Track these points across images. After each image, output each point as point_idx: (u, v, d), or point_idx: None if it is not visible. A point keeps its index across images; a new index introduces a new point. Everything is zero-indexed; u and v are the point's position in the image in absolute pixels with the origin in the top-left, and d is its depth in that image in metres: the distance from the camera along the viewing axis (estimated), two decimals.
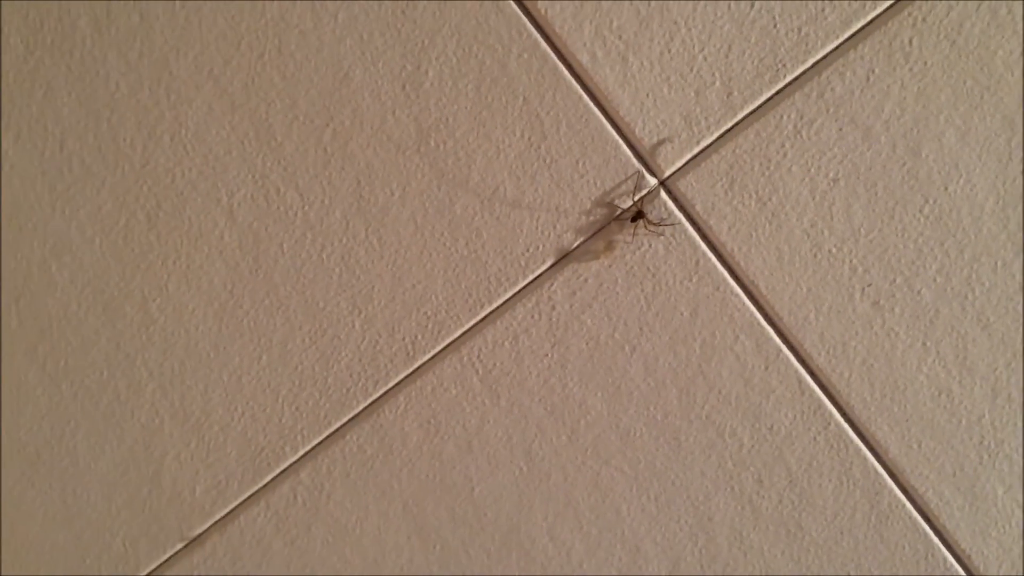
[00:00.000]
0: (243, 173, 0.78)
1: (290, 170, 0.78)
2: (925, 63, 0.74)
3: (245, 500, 0.83)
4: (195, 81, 0.76)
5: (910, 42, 0.74)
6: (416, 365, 0.81)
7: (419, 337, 0.81)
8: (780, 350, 0.80)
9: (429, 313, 0.80)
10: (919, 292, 0.78)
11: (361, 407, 0.82)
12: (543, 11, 0.75)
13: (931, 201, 0.76)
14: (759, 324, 0.79)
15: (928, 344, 0.79)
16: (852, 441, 0.81)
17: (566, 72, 0.75)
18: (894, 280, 0.78)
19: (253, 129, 0.77)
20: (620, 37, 0.74)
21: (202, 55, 0.76)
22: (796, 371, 0.80)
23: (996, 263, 0.77)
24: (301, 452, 0.83)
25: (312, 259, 0.79)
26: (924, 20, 0.73)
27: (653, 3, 0.74)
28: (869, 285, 0.78)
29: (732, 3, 0.74)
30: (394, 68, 0.76)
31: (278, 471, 0.83)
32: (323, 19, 0.75)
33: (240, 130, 0.77)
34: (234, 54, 0.76)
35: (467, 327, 0.80)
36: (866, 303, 0.78)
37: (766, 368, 0.80)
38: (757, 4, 0.74)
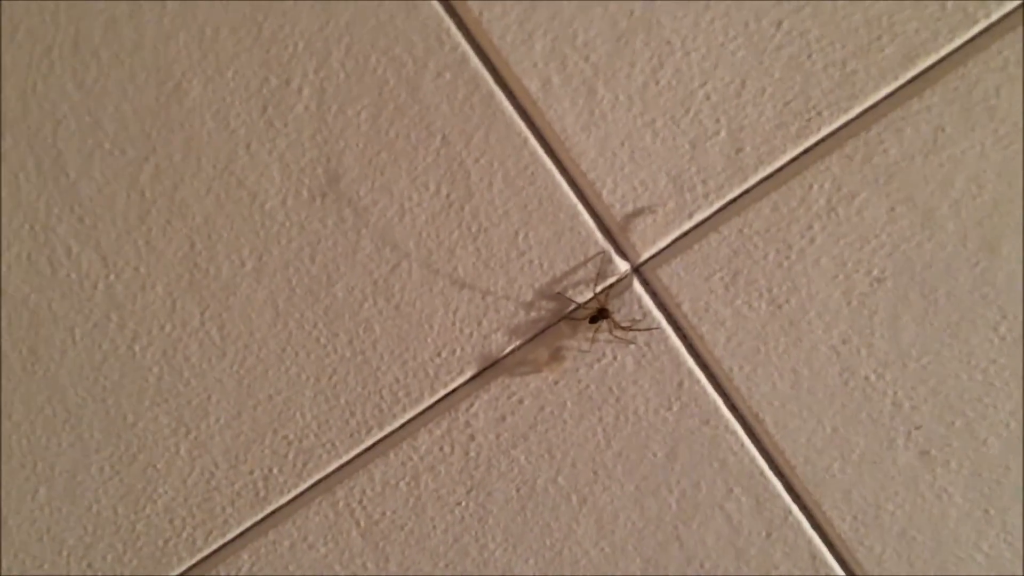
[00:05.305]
0: (18, 221, 0.53)
1: (88, 223, 0.54)
2: (1016, 122, 0.54)
3: None
4: None
5: (996, 91, 0.54)
6: (268, 510, 0.58)
7: (274, 471, 0.57)
8: (790, 512, 0.59)
9: (291, 439, 0.57)
10: (985, 441, 0.58)
11: (182, 570, 0.57)
12: (477, 14, 0.53)
13: (1010, 317, 0.56)
14: (762, 474, 0.58)
15: (991, 512, 0.58)
16: None
17: (507, 103, 0.55)
18: (952, 423, 0.57)
19: (33, 158, 0.53)
20: (587, 58, 0.54)
21: None
22: (810, 540, 0.59)
23: None
24: None
25: (119, 355, 0.55)
26: (1016, 60, 0.53)
27: (638, 5, 0.52)
28: (918, 428, 0.58)
29: (748, 14, 0.53)
30: (251, 82, 0.53)
31: None
32: (144, 6, 0.52)
33: (16, 159, 0.52)
34: (8, 45, 0.52)
35: (345, 460, 0.58)
36: (912, 452, 0.58)
37: (768, 535, 0.59)
38: (786, 22, 0.53)
